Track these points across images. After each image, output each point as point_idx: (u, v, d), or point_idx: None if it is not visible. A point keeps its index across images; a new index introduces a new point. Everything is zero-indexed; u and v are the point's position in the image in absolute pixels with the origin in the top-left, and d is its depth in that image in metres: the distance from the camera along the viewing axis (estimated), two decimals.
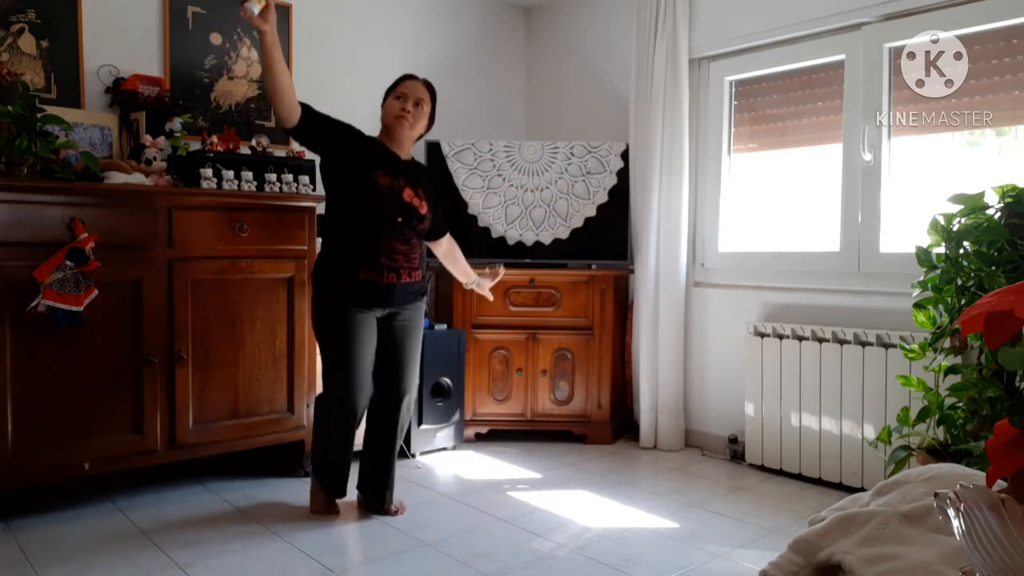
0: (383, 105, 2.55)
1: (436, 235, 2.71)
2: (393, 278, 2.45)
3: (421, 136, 2.61)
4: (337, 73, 3.64)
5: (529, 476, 3.09)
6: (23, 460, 2.34)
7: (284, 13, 3.44)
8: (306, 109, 2.36)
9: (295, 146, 3.44)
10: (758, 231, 3.44)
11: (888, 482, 1.45)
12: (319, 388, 2.99)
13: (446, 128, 4.02)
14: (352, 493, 2.66)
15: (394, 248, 2.44)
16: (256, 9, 2.10)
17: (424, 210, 2.51)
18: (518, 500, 2.78)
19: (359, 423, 2.56)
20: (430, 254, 2.84)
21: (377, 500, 2.59)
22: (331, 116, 2.44)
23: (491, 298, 2.99)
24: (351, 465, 2.61)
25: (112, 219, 2.48)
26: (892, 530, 1.24)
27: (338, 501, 2.62)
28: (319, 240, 2.68)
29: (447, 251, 2.82)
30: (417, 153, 2.98)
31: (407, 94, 2.49)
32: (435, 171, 2.75)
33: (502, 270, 2.93)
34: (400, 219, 2.45)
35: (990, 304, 0.81)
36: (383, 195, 2.42)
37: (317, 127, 2.40)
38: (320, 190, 3.00)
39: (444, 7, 4.10)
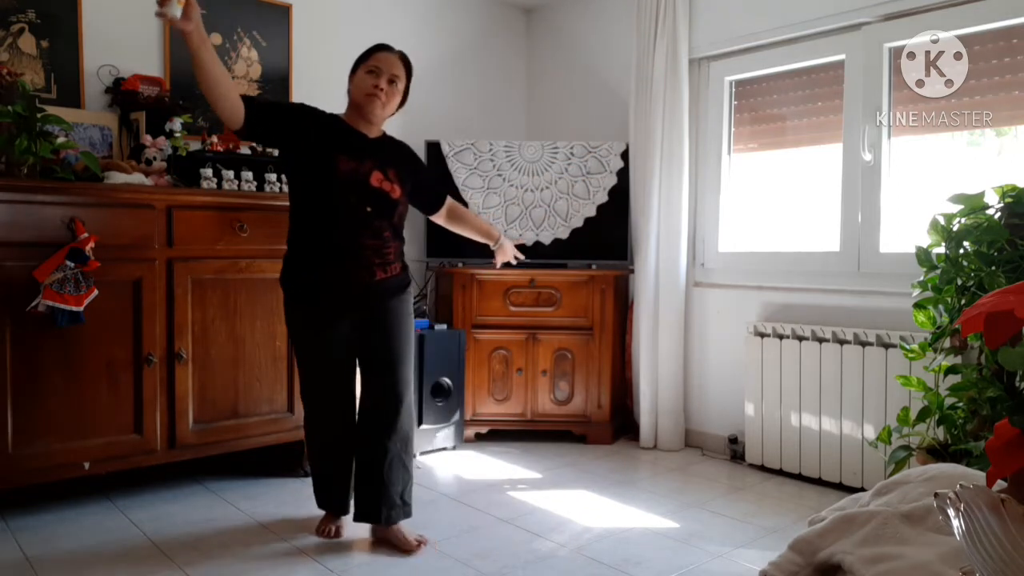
0: (351, 78, 2.26)
1: (433, 207, 2.50)
2: (364, 276, 2.21)
3: (392, 115, 2.31)
4: (337, 73, 3.62)
5: (529, 476, 3.09)
6: (23, 459, 2.34)
7: (284, 13, 3.44)
8: (249, 104, 2.07)
9: None
10: (758, 231, 3.44)
11: (888, 482, 1.44)
12: None
13: (446, 128, 4.03)
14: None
15: (362, 244, 2.19)
16: (178, 11, 1.80)
17: (397, 194, 2.24)
18: (518, 500, 2.78)
19: (342, 437, 2.35)
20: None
21: (369, 513, 2.29)
22: (281, 102, 2.17)
23: (512, 260, 2.68)
24: (347, 482, 2.37)
25: (112, 219, 2.48)
26: (892, 530, 1.24)
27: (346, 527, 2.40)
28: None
29: (450, 216, 2.54)
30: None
31: (381, 68, 2.20)
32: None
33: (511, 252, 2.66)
34: (369, 208, 2.19)
35: (990, 304, 0.81)
36: (346, 182, 2.16)
37: (264, 118, 2.13)
38: None
39: (444, 7, 4.10)
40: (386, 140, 2.34)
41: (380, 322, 2.28)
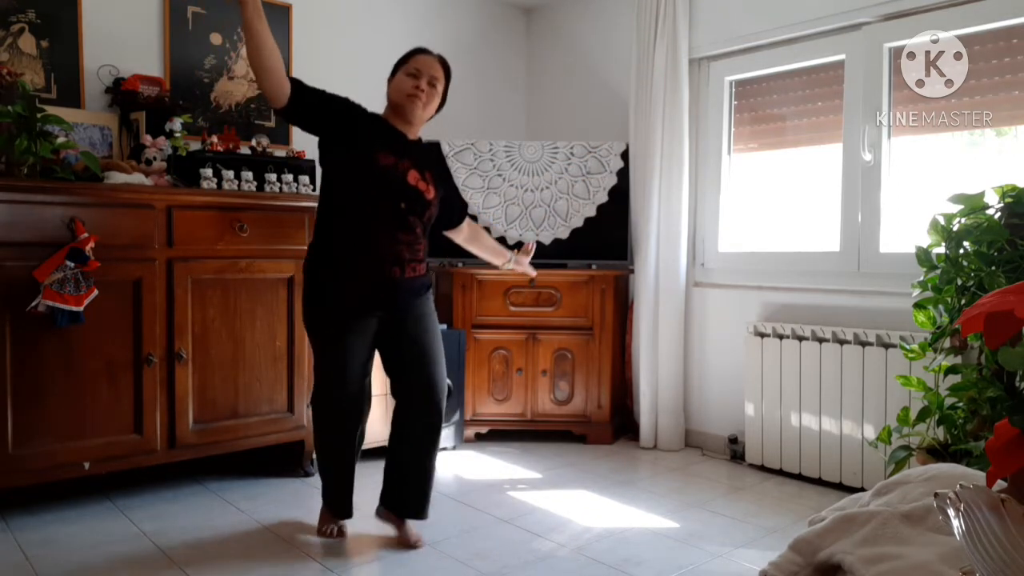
0: (391, 80, 2.28)
1: (454, 222, 2.50)
2: (396, 271, 2.21)
3: (431, 117, 2.35)
4: (337, 73, 3.63)
5: (529, 476, 3.09)
6: (23, 459, 2.34)
7: (284, 13, 3.44)
8: (296, 84, 2.13)
9: (295, 146, 3.45)
10: (758, 231, 3.44)
11: (888, 482, 1.44)
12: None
13: (446, 128, 4.02)
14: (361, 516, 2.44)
15: (396, 237, 2.20)
16: None
17: (431, 195, 2.27)
18: (518, 500, 2.78)
19: (353, 428, 2.34)
20: (447, 244, 2.58)
21: (408, 507, 2.32)
22: (326, 90, 2.21)
23: (533, 273, 2.74)
24: (353, 481, 2.39)
25: (112, 219, 2.48)
26: (892, 530, 1.24)
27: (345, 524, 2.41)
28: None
29: (469, 235, 2.57)
30: None
31: (421, 70, 2.23)
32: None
33: (532, 244, 2.68)
34: (403, 204, 2.20)
35: (990, 304, 0.81)
36: (385, 177, 2.18)
37: (310, 103, 2.17)
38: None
39: (444, 7, 4.10)
40: (423, 144, 2.37)
41: (411, 320, 2.28)
